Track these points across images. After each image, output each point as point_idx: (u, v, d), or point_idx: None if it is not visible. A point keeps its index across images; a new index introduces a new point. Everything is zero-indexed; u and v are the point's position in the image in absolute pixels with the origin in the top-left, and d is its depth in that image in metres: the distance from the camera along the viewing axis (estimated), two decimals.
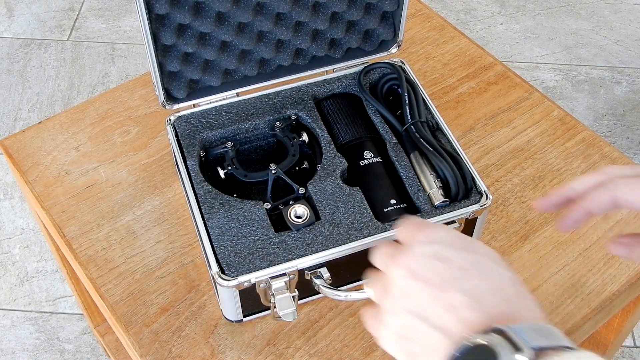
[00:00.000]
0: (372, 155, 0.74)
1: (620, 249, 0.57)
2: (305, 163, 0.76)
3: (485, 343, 0.40)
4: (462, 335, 0.41)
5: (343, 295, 0.64)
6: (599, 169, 0.58)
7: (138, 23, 0.67)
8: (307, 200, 0.70)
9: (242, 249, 0.66)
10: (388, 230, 0.67)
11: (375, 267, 0.49)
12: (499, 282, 0.44)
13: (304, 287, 0.67)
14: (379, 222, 0.68)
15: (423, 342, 0.43)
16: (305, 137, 0.76)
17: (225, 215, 0.68)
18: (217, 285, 0.64)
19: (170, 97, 0.75)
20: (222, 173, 0.73)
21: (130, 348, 0.69)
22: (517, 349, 0.39)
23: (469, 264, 0.44)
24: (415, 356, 0.44)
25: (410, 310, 0.44)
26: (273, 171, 0.72)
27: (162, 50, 0.71)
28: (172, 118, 0.76)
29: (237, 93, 0.78)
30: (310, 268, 0.66)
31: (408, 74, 0.80)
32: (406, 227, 0.49)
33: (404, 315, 0.44)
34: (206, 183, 0.71)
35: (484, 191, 0.70)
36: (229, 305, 0.67)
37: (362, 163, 0.73)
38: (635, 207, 0.54)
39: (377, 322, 0.47)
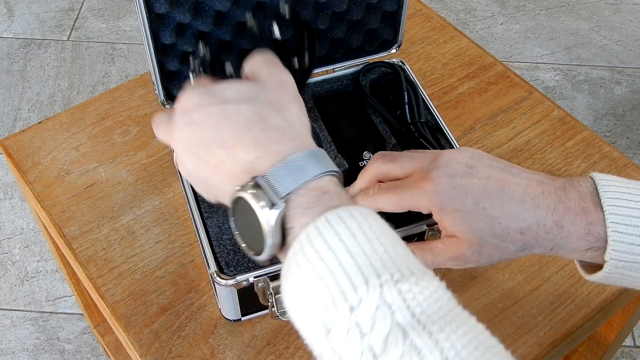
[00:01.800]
0: (372, 156, 0.74)
1: None
2: None
3: (242, 196, 0.44)
4: (234, 189, 0.45)
5: None
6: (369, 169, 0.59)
7: (138, 23, 0.67)
8: None
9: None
10: None
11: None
12: (245, 125, 0.46)
13: None
14: None
15: (216, 196, 0.49)
16: None
17: (225, 214, 0.68)
18: (216, 284, 0.64)
19: (170, 97, 0.75)
20: None
21: (130, 348, 0.69)
22: (271, 204, 0.43)
23: (217, 118, 0.47)
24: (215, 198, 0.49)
25: (193, 176, 0.49)
26: None
27: (162, 50, 0.71)
28: None
29: None
30: None
31: (408, 74, 0.80)
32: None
33: (193, 181, 0.50)
34: None
35: None
36: (227, 304, 0.67)
37: (361, 163, 0.73)
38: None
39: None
